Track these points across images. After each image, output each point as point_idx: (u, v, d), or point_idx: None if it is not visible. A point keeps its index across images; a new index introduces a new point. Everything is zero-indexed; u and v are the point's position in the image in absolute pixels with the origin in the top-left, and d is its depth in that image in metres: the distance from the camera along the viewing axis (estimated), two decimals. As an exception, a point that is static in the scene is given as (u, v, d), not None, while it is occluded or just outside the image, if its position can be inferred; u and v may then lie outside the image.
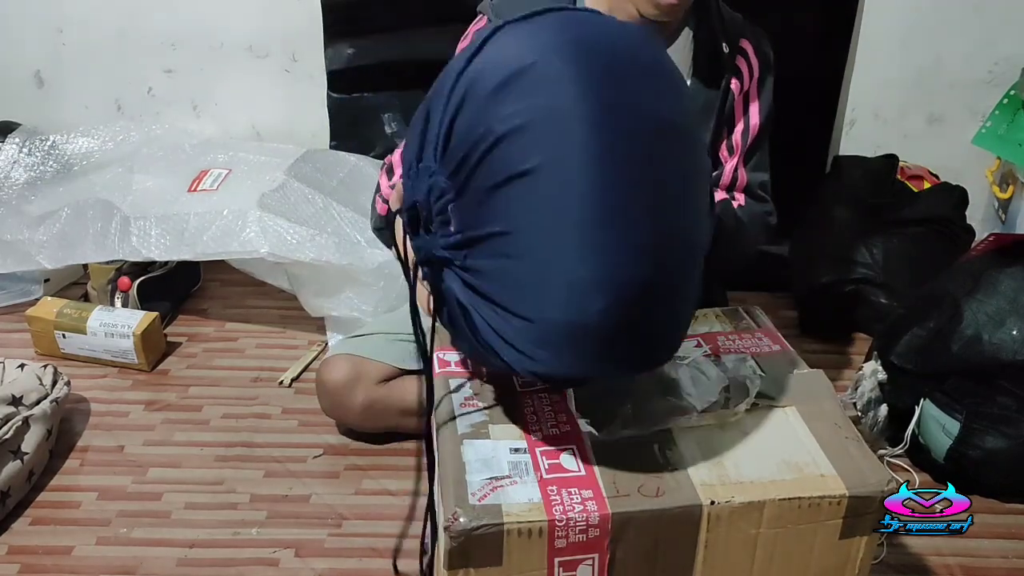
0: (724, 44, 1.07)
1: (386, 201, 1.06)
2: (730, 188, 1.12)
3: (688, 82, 1.08)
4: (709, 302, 0.91)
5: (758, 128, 1.10)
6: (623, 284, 0.61)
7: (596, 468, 0.66)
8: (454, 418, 0.71)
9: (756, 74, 1.10)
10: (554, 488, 0.63)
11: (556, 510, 0.61)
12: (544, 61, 0.63)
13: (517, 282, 0.63)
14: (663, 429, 0.70)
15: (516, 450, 0.67)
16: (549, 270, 0.61)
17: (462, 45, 1.06)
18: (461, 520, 0.60)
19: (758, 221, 1.11)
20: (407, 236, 0.70)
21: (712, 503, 0.63)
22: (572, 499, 0.62)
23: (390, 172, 1.09)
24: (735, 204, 1.09)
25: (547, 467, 0.65)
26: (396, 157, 1.08)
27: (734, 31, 1.09)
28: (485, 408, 0.72)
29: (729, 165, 1.10)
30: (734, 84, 1.09)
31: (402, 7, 1.65)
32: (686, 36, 1.08)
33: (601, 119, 0.61)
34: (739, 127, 1.10)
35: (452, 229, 0.65)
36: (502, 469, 0.65)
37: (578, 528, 0.61)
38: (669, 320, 0.67)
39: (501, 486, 0.63)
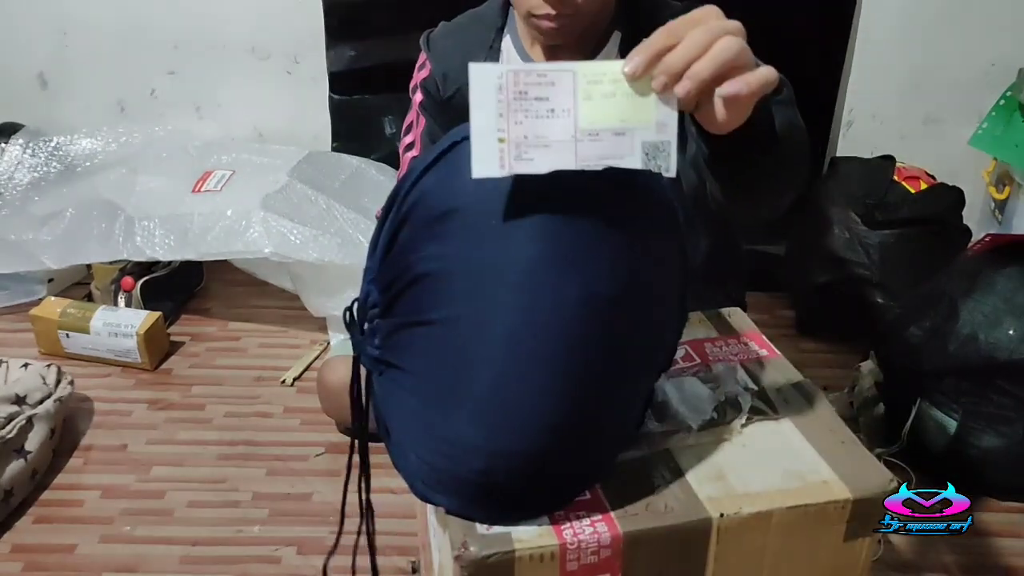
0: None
1: None
2: None
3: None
4: (728, 301, 0.90)
5: None
6: (510, 455, 0.58)
7: (601, 491, 0.66)
8: None
9: None
10: (562, 513, 0.64)
11: (566, 533, 0.62)
12: (481, 204, 0.56)
13: (413, 417, 0.61)
14: (662, 450, 0.71)
15: None
16: (437, 419, 0.59)
17: (412, 85, 1.07)
18: (471, 549, 0.60)
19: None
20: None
21: (721, 515, 0.64)
22: (581, 522, 0.62)
23: None
24: None
25: None
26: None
27: (660, 18, 1.04)
28: None
29: None
30: None
31: (403, 9, 1.66)
32: (614, 41, 1.03)
33: (528, 287, 0.55)
34: None
35: (376, 342, 0.63)
36: None
37: (589, 550, 0.61)
38: (572, 473, 0.63)
39: None
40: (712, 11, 0.58)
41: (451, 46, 1.06)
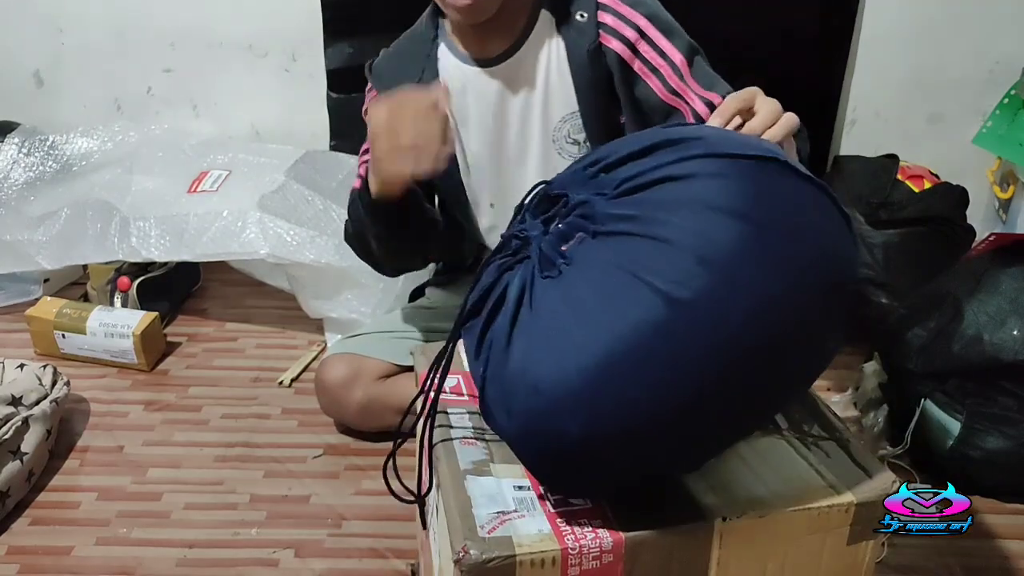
0: (580, 12, 1.06)
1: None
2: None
3: (567, 61, 1.07)
4: None
5: (685, 62, 1.05)
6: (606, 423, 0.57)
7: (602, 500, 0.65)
8: (454, 452, 0.70)
9: (642, 26, 1.05)
10: (563, 520, 0.63)
11: (568, 539, 0.61)
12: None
13: (542, 338, 0.59)
14: None
15: (520, 487, 0.66)
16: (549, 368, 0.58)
17: (363, 111, 1.08)
18: (472, 553, 0.59)
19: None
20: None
21: (724, 520, 0.63)
22: (583, 528, 0.62)
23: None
24: None
25: (553, 502, 0.65)
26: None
27: None
28: (485, 447, 0.71)
29: (694, 102, 1.05)
30: (615, 44, 1.05)
31: (402, 6, 1.64)
32: (544, 20, 1.08)
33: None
34: (667, 72, 1.05)
35: (558, 244, 0.62)
36: (508, 504, 0.64)
37: (591, 555, 0.61)
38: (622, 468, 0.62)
39: (509, 519, 0.62)
40: (758, 90, 0.79)
41: (392, 69, 1.13)
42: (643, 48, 1.06)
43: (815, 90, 1.71)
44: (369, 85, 1.15)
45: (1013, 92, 1.61)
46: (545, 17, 1.09)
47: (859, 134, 1.77)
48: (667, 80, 1.06)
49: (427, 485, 0.72)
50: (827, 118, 1.75)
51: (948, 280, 1.31)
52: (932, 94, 1.73)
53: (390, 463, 0.75)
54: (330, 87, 1.76)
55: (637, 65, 1.07)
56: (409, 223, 1.05)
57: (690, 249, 0.57)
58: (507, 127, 1.13)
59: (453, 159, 1.13)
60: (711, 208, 0.58)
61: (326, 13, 1.70)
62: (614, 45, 1.06)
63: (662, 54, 1.06)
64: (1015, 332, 1.18)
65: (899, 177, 1.62)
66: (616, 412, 0.57)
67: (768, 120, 0.76)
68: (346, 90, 1.76)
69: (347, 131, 1.79)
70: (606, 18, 1.06)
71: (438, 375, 0.70)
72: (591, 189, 0.63)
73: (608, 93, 1.09)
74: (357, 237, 1.12)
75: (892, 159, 1.67)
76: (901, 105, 1.75)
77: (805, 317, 0.60)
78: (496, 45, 1.09)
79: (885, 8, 1.66)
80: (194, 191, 1.56)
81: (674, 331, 0.56)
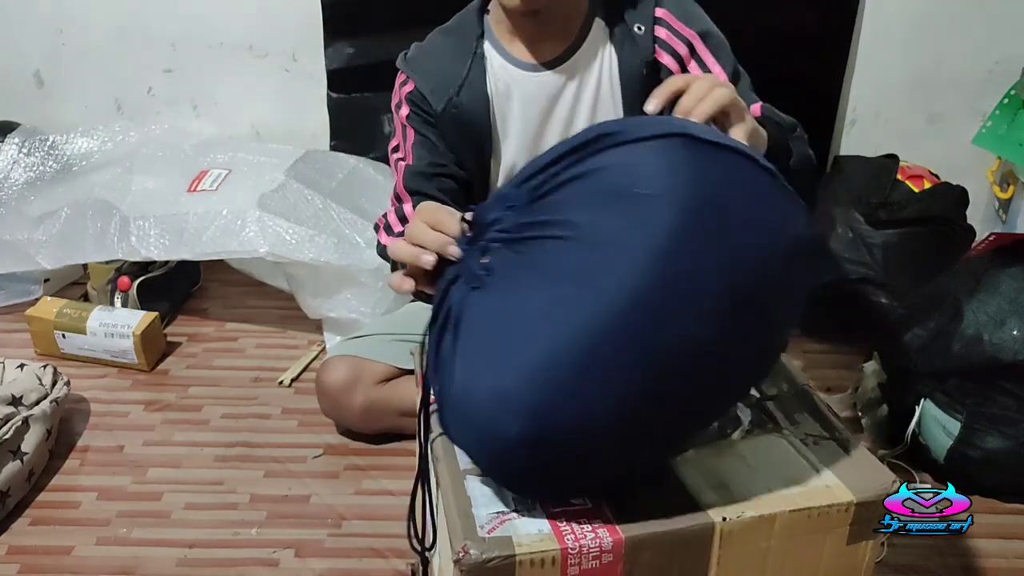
0: (637, 25, 1.06)
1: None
2: None
3: (617, 72, 1.07)
4: None
5: (722, 75, 1.05)
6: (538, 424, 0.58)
7: (603, 499, 0.65)
8: (453, 452, 0.70)
9: (695, 41, 1.06)
10: (563, 520, 0.63)
11: (568, 539, 0.61)
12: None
13: (474, 351, 0.61)
14: None
15: None
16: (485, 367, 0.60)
17: (393, 104, 1.09)
18: (472, 553, 0.59)
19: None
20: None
21: (724, 520, 0.63)
22: (583, 527, 0.62)
23: (388, 230, 1.11)
24: None
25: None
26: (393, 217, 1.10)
27: (647, 4, 1.07)
28: None
29: None
30: (667, 60, 1.06)
31: (402, 6, 1.65)
32: (598, 28, 1.07)
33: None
34: None
35: (483, 259, 0.63)
36: (508, 504, 0.64)
37: (591, 555, 0.61)
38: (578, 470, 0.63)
39: (509, 519, 0.62)
40: (706, 76, 0.77)
41: (432, 62, 1.10)
42: (691, 66, 1.06)
43: (815, 90, 1.71)
44: (403, 76, 1.11)
45: (1013, 92, 1.61)
46: (599, 25, 1.08)
47: (859, 134, 1.77)
48: None
49: (431, 540, 0.72)
50: (827, 118, 1.75)
51: (948, 280, 1.31)
52: (932, 94, 1.73)
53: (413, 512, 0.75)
54: (330, 87, 1.76)
55: None
56: None
57: (595, 241, 0.58)
58: (549, 133, 1.11)
59: (486, 174, 1.13)
60: (616, 194, 0.58)
61: (326, 13, 1.70)
62: (666, 60, 1.06)
63: (706, 70, 1.06)
64: (1015, 332, 1.18)
65: (899, 177, 1.62)
66: (554, 412, 0.58)
67: (697, 95, 0.74)
68: (346, 90, 1.76)
69: (347, 131, 1.79)
70: (661, 32, 1.06)
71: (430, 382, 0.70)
72: (503, 204, 0.64)
73: None
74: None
75: (892, 159, 1.68)
76: (901, 105, 1.75)
77: (740, 294, 0.59)
78: (549, 49, 1.08)
79: (885, 8, 1.66)
80: (194, 190, 1.56)
81: (593, 324, 0.57)
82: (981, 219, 1.75)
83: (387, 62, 1.74)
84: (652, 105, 0.74)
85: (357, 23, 1.70)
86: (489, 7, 1.10)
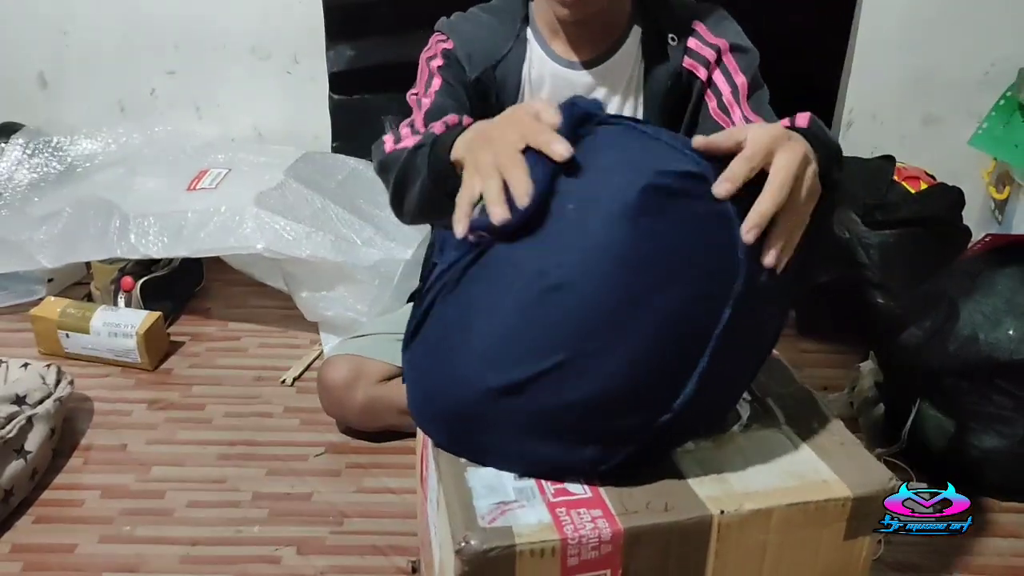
0: (671, 35, 1.06)
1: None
2: None
3: (643, 79, 1.08)
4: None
5: (746, 84, 1.05)
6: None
7: (602, 490, 0.66)
8: None
9: (723, 49, 1.06)
10: (563, 509, 0.64)
11: (567, 529, 0.62)
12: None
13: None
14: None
15: (520, 477, 0.67)
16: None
17: (425, 56, 1.07)
18: (472, 543, 0.60)
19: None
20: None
21: (722, 512, 0.64)
22: (582, 518, 0.63)
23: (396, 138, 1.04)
24: None
25: (553, 492, 0.66)
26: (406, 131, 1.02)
27: (684, 16, 1.07)
28: None
29: (737, 120, 1.04)
30: (692, 65, 1.06)
31: (404, 8, 1.66)
32: (635, 35, 1.07)
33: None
34: (725, 91, 1.06)
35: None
36: (508, 495, 0.65)
37: (590, 545, 0.62)
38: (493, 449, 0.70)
39: (509, 509, 0.63)
40: (781, 135, 0.71)
41: (475, 31, 1.08)
42: (716, 74, 1.06)
43: (812, 91, 1.71)
44: (442, 35, 1.08)
45: (1009, 94, 1.62)
46: (636, 32, 1.07)
47: (855, 135, 1.78)
48: (722, 97, 1.06)
49: None
50: (824, 119, 1.74)
51: (944, 280, 1.31)
52: (928, 96, 1.74)
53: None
54: (332, 89, 1.77)
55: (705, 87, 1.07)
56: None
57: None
58: None
59: None
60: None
61: (328, 16, 1.71)
62: (692, 65, 1.06)
63: (728, 76, 1.06)
64: (1010, 332, 1.19)
65: (895, 178, 1.63)
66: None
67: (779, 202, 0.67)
68: (348, 92, 1.77)
69: (348, 133, 1.80)
70: (691, 43, 1.06)
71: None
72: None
73: (671, 113, 1.08)
74: (400, 171, 0.96)
75: (888, 160, 1.68)
76: (897, 107, 1.76)
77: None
78: (588, 50, 1.07)
79: (882, 10, 1.67)
80: (193, 189, 1.57)
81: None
82: (977, 220, 1.76)
83: (388, 65, 1.78)
84: (722, 192, 0.66)
85: (359, 26, 1.71)
86: None
